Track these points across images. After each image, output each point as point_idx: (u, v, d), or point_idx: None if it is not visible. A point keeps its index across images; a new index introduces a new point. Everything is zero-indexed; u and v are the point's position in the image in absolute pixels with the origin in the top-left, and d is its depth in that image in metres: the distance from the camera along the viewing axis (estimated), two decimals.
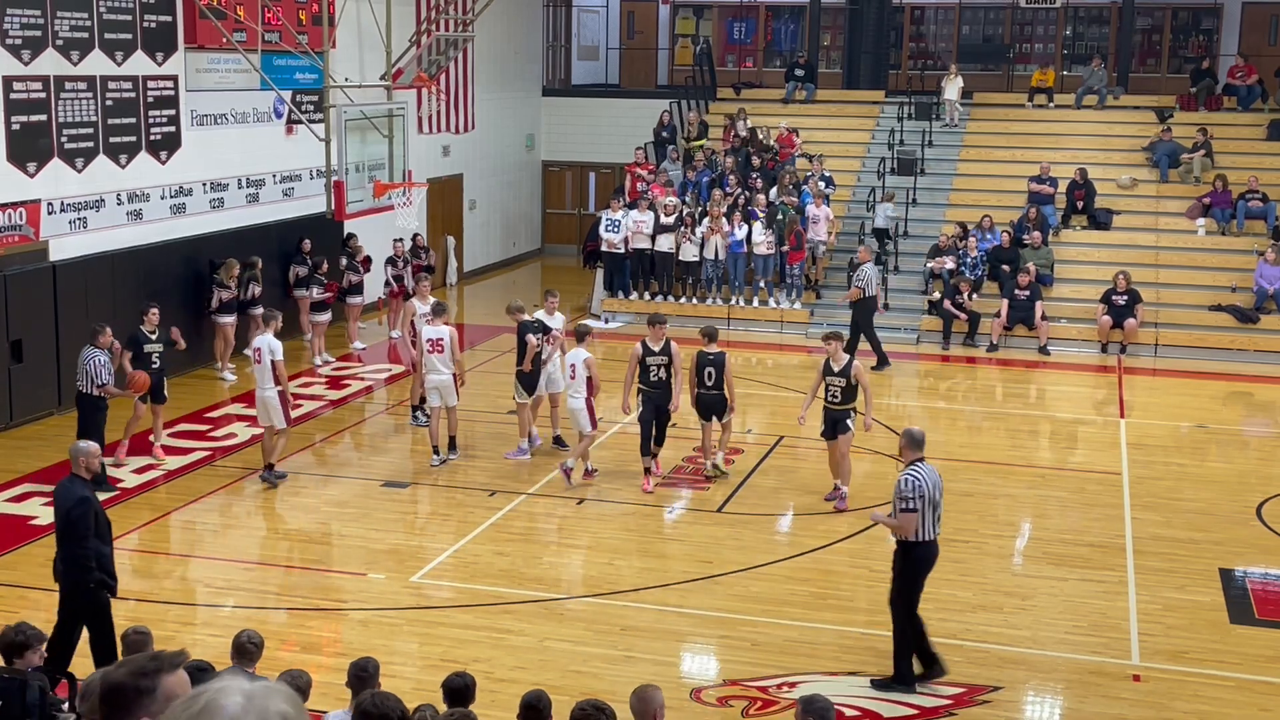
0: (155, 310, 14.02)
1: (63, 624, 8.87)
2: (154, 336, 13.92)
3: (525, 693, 6.71)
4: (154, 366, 13.87)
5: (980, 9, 30.77)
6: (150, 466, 14.03)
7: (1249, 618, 10.80)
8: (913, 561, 9.30)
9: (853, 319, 18.84)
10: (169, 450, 14.58)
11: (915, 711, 9.08)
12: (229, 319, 17.86)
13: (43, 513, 12.63)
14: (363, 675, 6.91)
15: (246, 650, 7.18)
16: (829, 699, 6.38)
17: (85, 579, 8.79)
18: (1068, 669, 9.63)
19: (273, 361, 13.27)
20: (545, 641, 10.01)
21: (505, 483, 13.66)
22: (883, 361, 18.80)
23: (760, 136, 24.74)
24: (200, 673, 5.50)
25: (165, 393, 14.20)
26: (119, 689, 3.19)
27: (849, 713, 8.96)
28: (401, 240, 20.42)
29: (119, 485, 13.46)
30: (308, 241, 19.34)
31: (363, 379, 18.34)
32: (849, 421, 13.13)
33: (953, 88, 25.44)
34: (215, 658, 7.94)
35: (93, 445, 9.26)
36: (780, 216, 21.77)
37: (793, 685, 9.34)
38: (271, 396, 13.30)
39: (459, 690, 6.82)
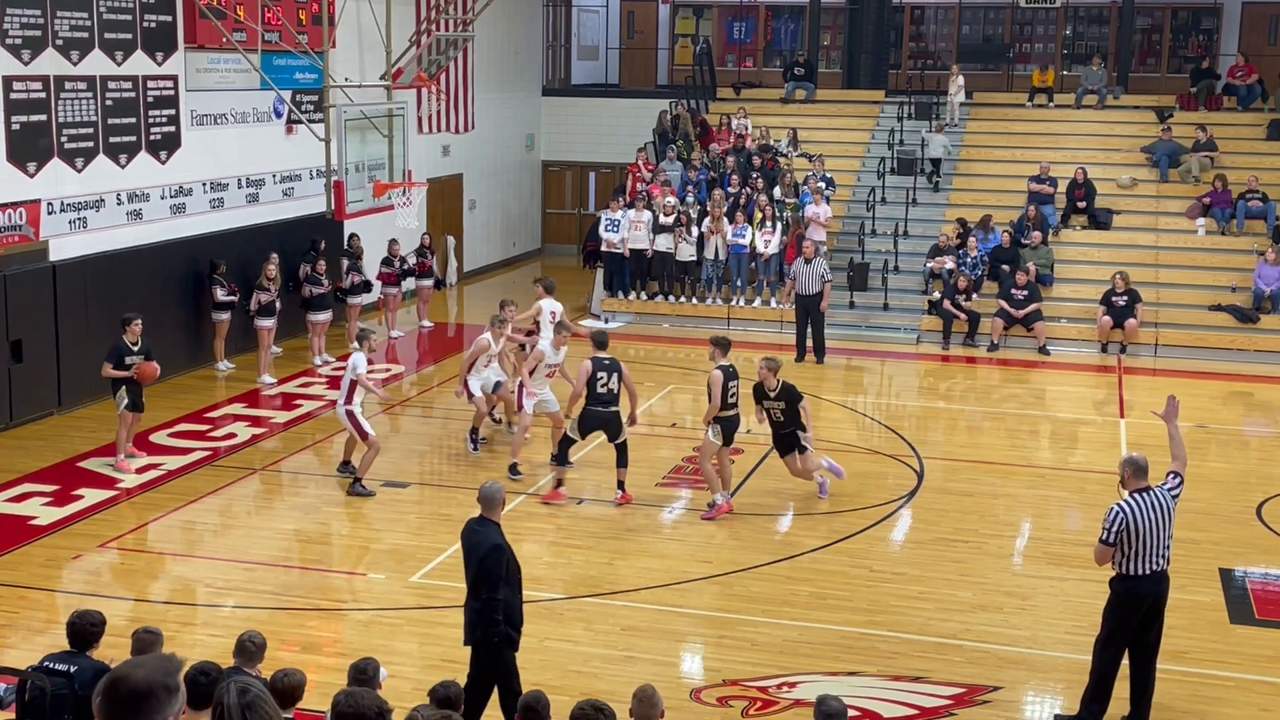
0: (138, 322, 13.73)
1: (474, 679, 8.23)
2: (135, 348, 13.64)
3: (524, 693, 6.70)
4: (132, 377, 13.67)
5: (980, 9, 30.76)
6: (151, 467, 14.02)
7: (1249, 618, 10.81)
8: (1113, 595, 8.69)
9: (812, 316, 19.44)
10: (169, 450, 14.58)
11: (915, 712, 9.08)
12: (268, 323, 17.81)
13: (43, 513, 12.66)
14: (362, 676, 6.90)
15: (247, 650, 7.18)
16: (842, 701, 6.41)
17: (491, 632, 8.16)
18: (1068, 669, 9.63)
19: (352, 379, 13.21)
20: (545, 641, 10.00)
21: (505, 483, 13.63)
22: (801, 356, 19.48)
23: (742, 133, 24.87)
24: (204, 675, 5.50)
25: (143, 401, 13.95)
26: (147, 692, 3.17)
27: (849, 713, 8.94)
28: (397, 240, 20.41)
29: (119, 485, 13.46)
30: (324, 242, 19.30)
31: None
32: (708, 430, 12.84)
33: (955, 88, 25.44)
34: (215, 657, 7.94)
35: (501, 486, 8.75)
36: (783, 217, 21.83)
37: (793, 685, 9.34)
38: (341, 414, 13.32)
39: (445, 701, 6.79)
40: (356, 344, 13.72)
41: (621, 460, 13.10)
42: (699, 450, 13.36)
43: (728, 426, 12.82)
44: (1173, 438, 9.04)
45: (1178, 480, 8.79)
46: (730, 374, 12.83)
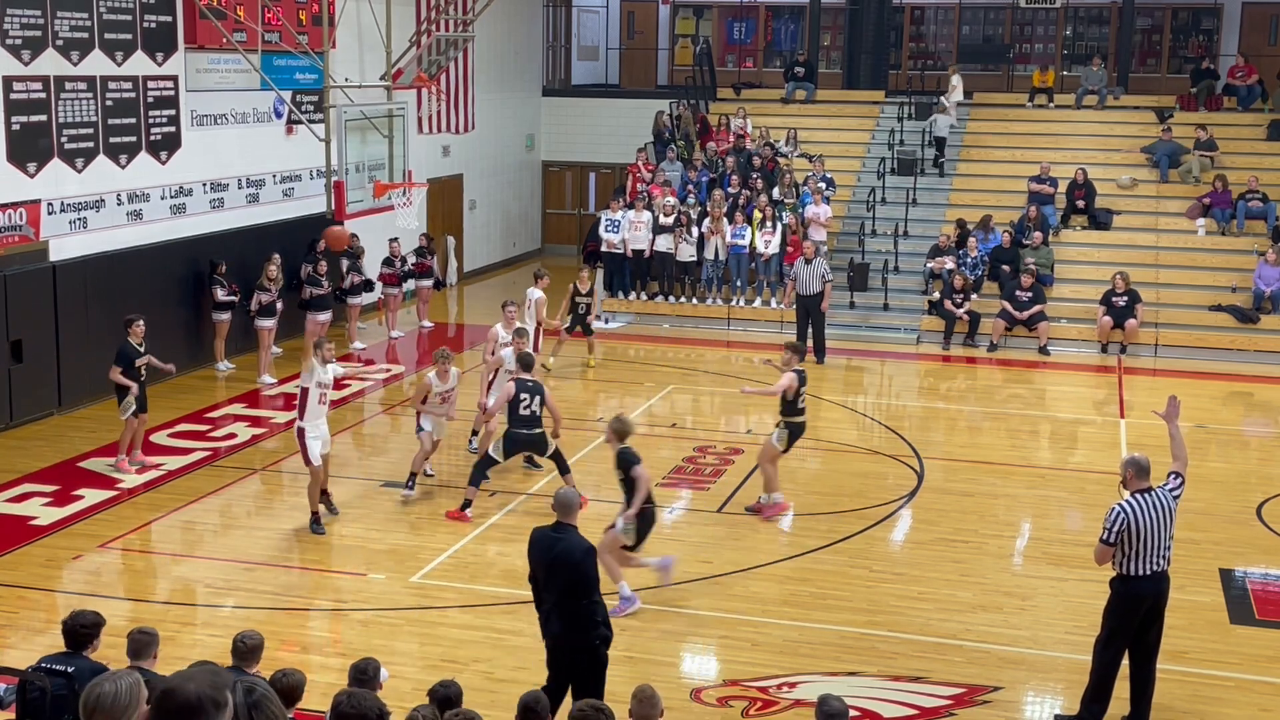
0: (141, 322, 13.68)
1: (557, 686, 8.08)
2: (142, 349, 13.63)
3: (523, 694, 6.70)
4: (142, 379, 13.67)
5: (980, 9, 30.76)
6: (151, 467, 14.01)
7: (1249, 618, 10.82)
8: (1113, 595, 8.69)
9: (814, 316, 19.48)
10: (169, 450, 14.58)
11: (915, 712, 9.08)
12: (269, 323, 17.77)
13: (43, 513, 12.66)
14: (363, 676, 6.90)
15: (240, 650, 7.15)
16: (843, 701, 6.43)
17: (590, 636, 8.05)
18: (1068, 669, 9.64)
19: (303, 387, 12.29)
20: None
21: (505, 483, 13.65)
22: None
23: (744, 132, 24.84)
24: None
25: (145, 402, 13.85)
26: (198, 706, 3.19)
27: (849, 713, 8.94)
28: (397, 240, 20.41)
29: (120, 485, 13.45)
30: (323, 242, 19.27)
31: (363, 379, 18.34)
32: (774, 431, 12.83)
33: (950, 88, 25.46)
34: (215, 657, 7.94)
35: (576, 490, 8.54)
36: (782, 217, 21.84)
37: (793, 685, 9.34)
38: (295, 431, 12.48)
39: (445, 701, 6.78)
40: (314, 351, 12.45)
41: (563, 469, 12.93)
42: (760, 450, 13.10)
43: (795, 431, 12.74)
44: (1174, 438, 9.04)
45: (1179, 480, 8.79)
46: (803, 379, 12.71)
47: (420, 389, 13.37)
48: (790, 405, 12.66)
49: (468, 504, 12.74)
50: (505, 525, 12.56)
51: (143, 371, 13.71)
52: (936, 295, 21.03)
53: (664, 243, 21.99)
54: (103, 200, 16.61)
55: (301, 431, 12.25)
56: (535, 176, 29.41)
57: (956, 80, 25.57)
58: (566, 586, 8.05)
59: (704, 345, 20.64)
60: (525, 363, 13.18)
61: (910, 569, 11.63)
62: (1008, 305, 20.59)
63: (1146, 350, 20.40)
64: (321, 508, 12.51)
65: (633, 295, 22.50)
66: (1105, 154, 24.26)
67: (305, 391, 12.25)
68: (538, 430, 12.80)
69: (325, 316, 18.93)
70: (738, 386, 18.22)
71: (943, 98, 25.26)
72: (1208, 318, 20.75)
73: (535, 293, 16.77)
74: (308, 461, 12.31)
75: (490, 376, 13.99)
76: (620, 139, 27.38)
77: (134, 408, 13.62)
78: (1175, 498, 8.71)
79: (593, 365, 18.85)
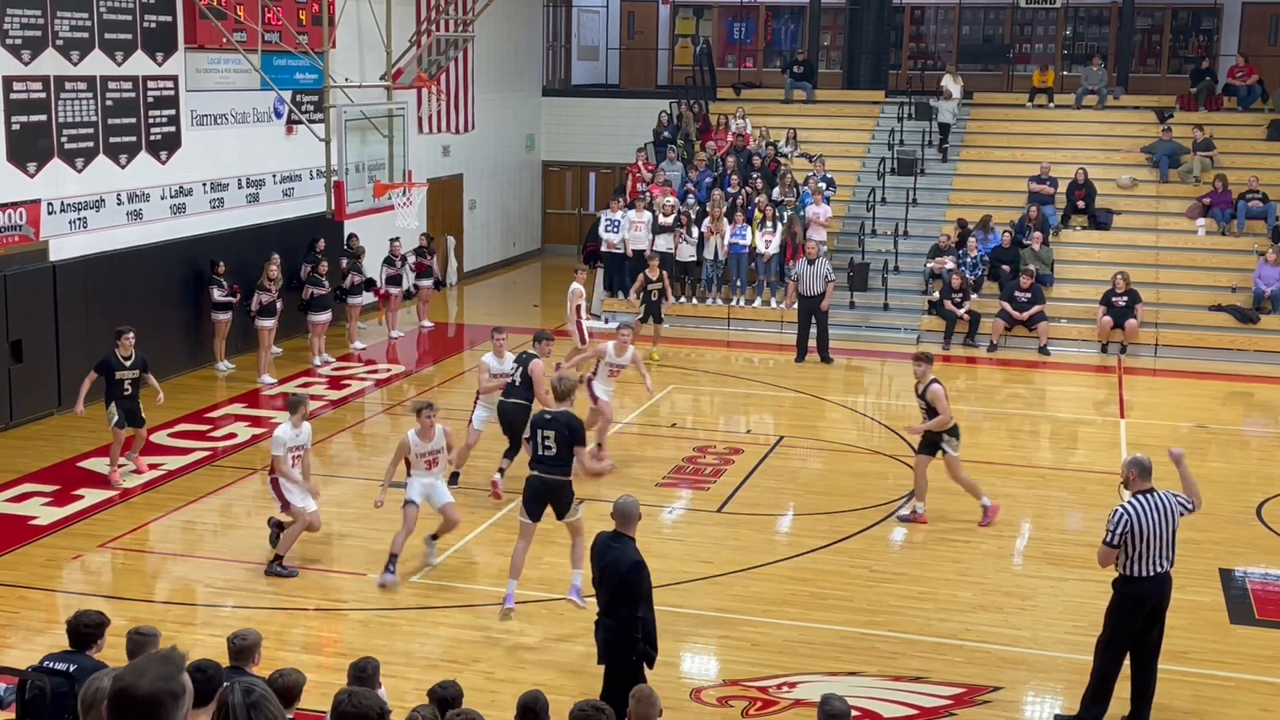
0: (131, 335, 13.34)
1: (607, 696, 7.84)
2: (128, 363, 13.28)
3: (522, 694, 6.69)
4: (125, 394, 13.30)
5: (980, 9, 30.76)
6: (151, 466, 14.00)
7: (1249, 618, 10.81)
8: (1116, 596, 8.67)
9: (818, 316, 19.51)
10: (169, 450, 14.58)
11: (915, 712, 9.08)
12: (269, 323, 17.76)
13: (43, 513, 12.66)
14: (362, 675, 6.91)
15: (233, 650, 7.13)
16: (846, 701, 6.43)
17: (629, 650, 8.04)
18: (1068, 669, 9.64)
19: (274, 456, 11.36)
20: (545, 641, 10.01)
21: (505, 482, 13.63)
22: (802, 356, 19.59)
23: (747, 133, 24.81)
24: (200, 673, 5.48)
25: (142, 415, 13.58)
26: (155, 702, 3.17)
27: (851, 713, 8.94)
28: (398, 240, 20.41)
29: (120, 485, 13.44)
30: (322, 241, 19.29)
31: (363, 379, 18.34)
32: (940, 443, 12.55)
33: (955, 87, 25.46)
34: (215, 657, 7.94)
35: (637, 500, 8.48)
36: (782, 217, 21.84)
37: (793, 685, 9.34)
38: (268, 481, 11.69)
39: (445, 701, 6.78)
40: (289, 411, 11.58)
41: (511, 453, 13.17)
42: (949, 468, 12.67)
43: (955, 431, 12.55)
44: (1184, 479, 8.91)
45: (1190, 504, 8.73)
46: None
47: (398, 453, 11.28)
48: (932, 410, 12.47)
49: (501, 472, 13.23)
50: (505, 525, 12.54)
51: (126, 386, 13.34)
52: (936, 295, 21.03)
53: (664, 243, 21.98)
54: (103, 200, 16.61)
55: (275, 482, 11.36)
56: (535, 176, 29.42)
57: (947, 81, 25.56)
58: (612, 597, 8.10)
59: (704, 345, 20.65)
60: (537, 336, 13.59)
61: (910, 569, 11.63)
62: (1007, 305, 20.60)
63: (1146, 350, 20.40)
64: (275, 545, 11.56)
65: (633, 295, 22.45)
66: (1105, 154, 24.26)
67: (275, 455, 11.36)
68: (515, 400, 13.08)
69: (325, 316, 18.93)
70: (740, 387, 18.25)
71: (942, 99, 25.25)
72: (1208, 318, 20.75)
73: (575, 285, 17.62)
74: (285, 507, 11.29)
75: (592, 370, 14.32)
76: (620, 139, 27.39)
77: (116, 417, 13.30)
78: (1182, 506, 8.67)
79: (655, 358, 19.02)
